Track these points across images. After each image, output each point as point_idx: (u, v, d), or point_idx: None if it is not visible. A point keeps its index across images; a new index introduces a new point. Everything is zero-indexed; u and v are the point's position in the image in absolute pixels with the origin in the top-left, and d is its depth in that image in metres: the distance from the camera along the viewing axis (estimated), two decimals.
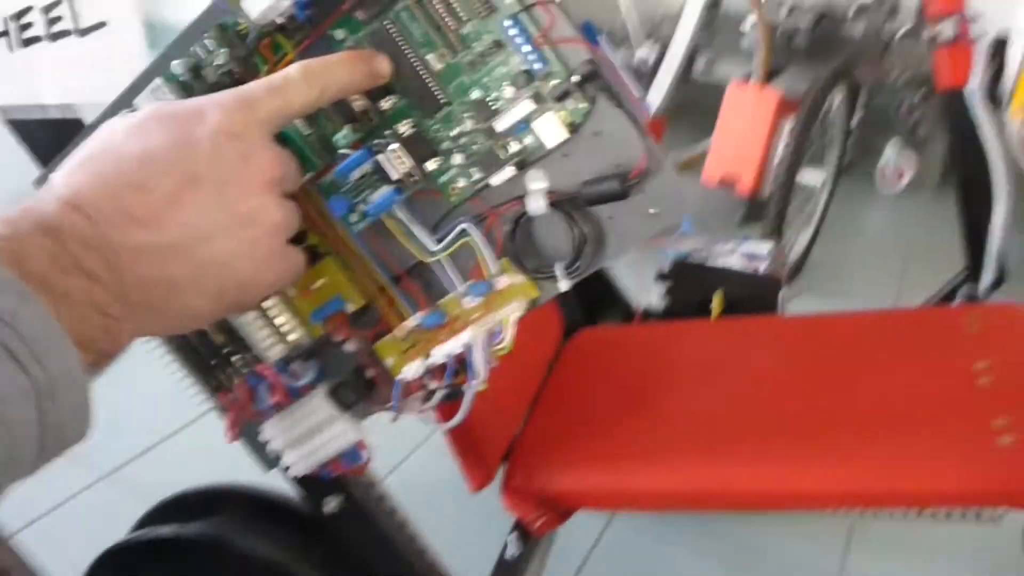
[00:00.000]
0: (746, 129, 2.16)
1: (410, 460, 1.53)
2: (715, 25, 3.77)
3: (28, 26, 0.61)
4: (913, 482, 0.80)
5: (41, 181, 0.64)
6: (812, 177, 2.35)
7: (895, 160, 3.05)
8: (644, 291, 1.28)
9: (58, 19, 0.60)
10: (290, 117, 0.46)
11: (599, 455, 0.91)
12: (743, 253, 1.22)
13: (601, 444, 0.92)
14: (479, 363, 0.56)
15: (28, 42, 0.61)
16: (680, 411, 0.97)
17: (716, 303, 1.17)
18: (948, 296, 1.30)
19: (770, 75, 3.13)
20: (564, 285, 0.54)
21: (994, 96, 1.23)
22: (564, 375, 1.08)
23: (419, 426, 0.62)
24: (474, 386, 0.56)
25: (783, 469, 0.85)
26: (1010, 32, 1.20)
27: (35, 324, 0.33)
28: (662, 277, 1.22)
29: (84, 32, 0.60)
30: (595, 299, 1.31)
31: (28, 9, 0.60)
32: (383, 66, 0.51)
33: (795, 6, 3.51)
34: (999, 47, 1.21)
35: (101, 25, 0.60)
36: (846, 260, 2.51)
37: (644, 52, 3.02)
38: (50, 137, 0.66)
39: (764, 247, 1.25)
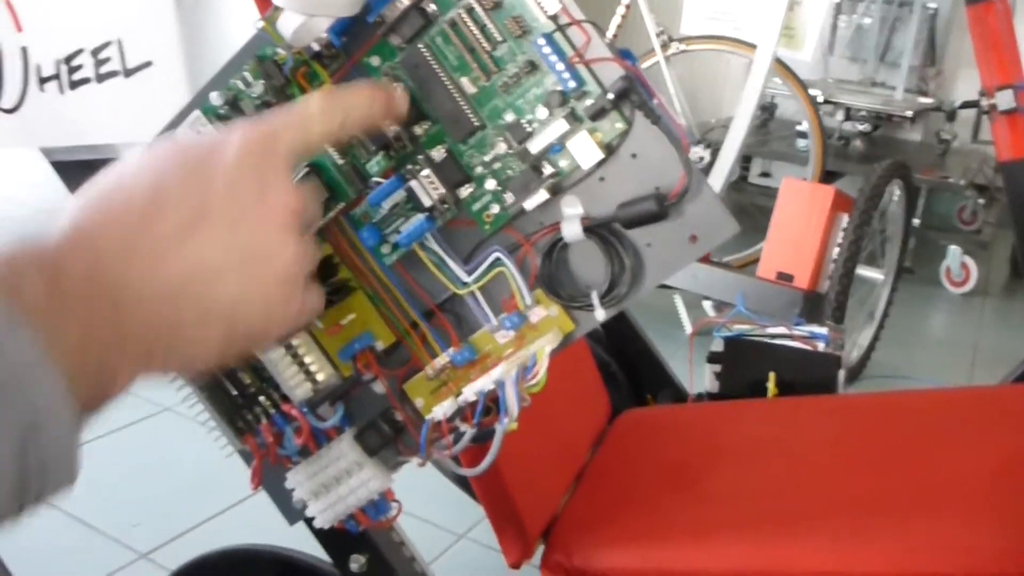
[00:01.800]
0: (802, 224, 2.13)
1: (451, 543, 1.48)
2: (769, 129, 3.82)
3: (78, 68, 0.62)
4: (978, 562, 0.73)
5: None
6: (873, 274, 2.30)
7: (958, 262, 2.98)
8: (695, 374, 1.24)
9: (107, 60, 0.62)
10: (310, 150, 0.44)
11: (644, 534, 0.85)
12: (799, 334, 1.18)
13: (647, 523, 0.87)
14: (511, 400, 0.53)
15: (76, 84, 0.63)
16: (730, 490, 0.92)
17: (772, 382, 1.12)
18: (1021, 376, 1.23)
19: (826, 179, 3.13)
20: (600, 315, 0.52)
21: None
22: (609, 454, 1.03)
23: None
24: (504, 425, 0.53)
25: (839, 550, 0.79)
26: None
27: (22, 352, 0.31)
28: (715, 357, 1.18)
29: (130, 72, 0.61)
30: (644, 380, 1.28)
31: (79, 52, 0.62)
32: (402, 100, 0.50)
33: (851, 110, 3.54)
34: None
35: (147, 65, 0.61)
36: (911, 361, 2.43)
37: (696, 155, 3.05)
38: (89, 176, 0.67)
39: (821, 328, 1.20)
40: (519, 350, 0.54)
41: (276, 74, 0.54)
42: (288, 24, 0.50)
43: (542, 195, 0.51)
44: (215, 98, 0.56)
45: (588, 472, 0.99)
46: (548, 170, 0.51)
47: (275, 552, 0.72)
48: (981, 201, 3.51)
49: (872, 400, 1.08)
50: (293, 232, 0.40)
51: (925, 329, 2.81)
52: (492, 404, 0.54)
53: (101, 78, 0.62)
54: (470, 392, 0.55)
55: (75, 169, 0.67)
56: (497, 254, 0.53)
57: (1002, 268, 3.27)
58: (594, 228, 0.51)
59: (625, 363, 1.25)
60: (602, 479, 0.97)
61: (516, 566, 0.85)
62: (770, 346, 1.15)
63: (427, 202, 0.53)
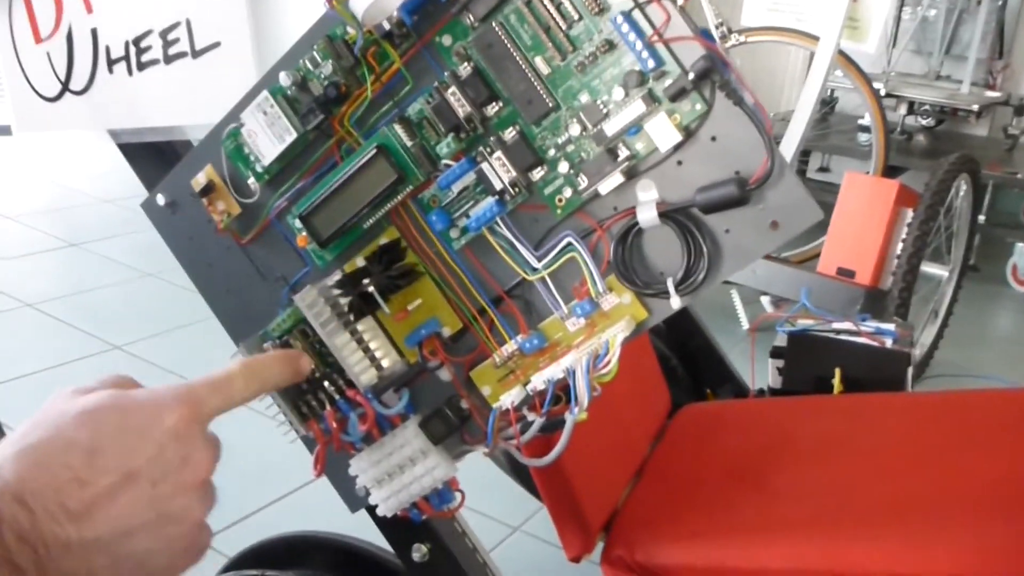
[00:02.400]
0: (865, 219, 2.08)
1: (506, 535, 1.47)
2: (829, 123, 3.74)
3: (146, 49, 0.62)
4: None
5: (148, 205, 0.64)
6: (937, 271, 2.24)
7: None
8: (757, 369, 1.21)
9: (175, 41, 0.61)
10: (226, 411, 0.47)
11: (709, 531, 0.83)
12: (866, 330, 1.14)
13: (712, 520, 0.85)
14: (582, 389, 0.51)
15: (144, 66, 0.63)
16: (798, 488, 0.89)
17: (837, 379, 1.09)
18: None
19: (888, 174, 3.05)
20: (676, 303, 0.50)
21: None
22: (670, 448, 1.01)
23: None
24: (575, 415, 0.52)
25: (912, 550, 0.77)
26: None
27: None
28: (778, 352, 1.15)
29: (198, 54, 0.61)
30: (705, 375, 1.25)
31: (148, 33, 0.62)
32: (306, 366, 0.55)
33: (915, 103, 3.45)
34: None
35: (215, 45, 0.61)
36: (975, 360, 2.36)
37: None
38: (155, 160, 0.67)
39: (888, 325, 1.17)
40: (590, 338, 0.53)
41: (346, 54, 0.54)
42: (359, 3, 0.49)
43: (617, 178, 0.50)
44: (283, 79, 0.55)
45: (649, 466, 0.97)
46: (624, 153, 0.50)
47: (336, 539, 0.72)
48: None
49: (943, 398, 1.04)
50: (202, 492, 0.44)
51: (990, 328, 2.73)
52: (561, 393, 0.53)
53: (169, 59, 0.62)
54: (539, 380, 0.53)
55: (141, 152, 0.67)
56: (569, 239, 0.52)
57: None
58: (670, 213, 0.50)
59: (685, 357, 1.22)
60: (664, 474, 0.95)
61: (576, 560, 0.83)
62: (836, 342, 1.12)
63: (498, 185, 0.52)
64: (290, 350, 0.57)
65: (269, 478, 1.59)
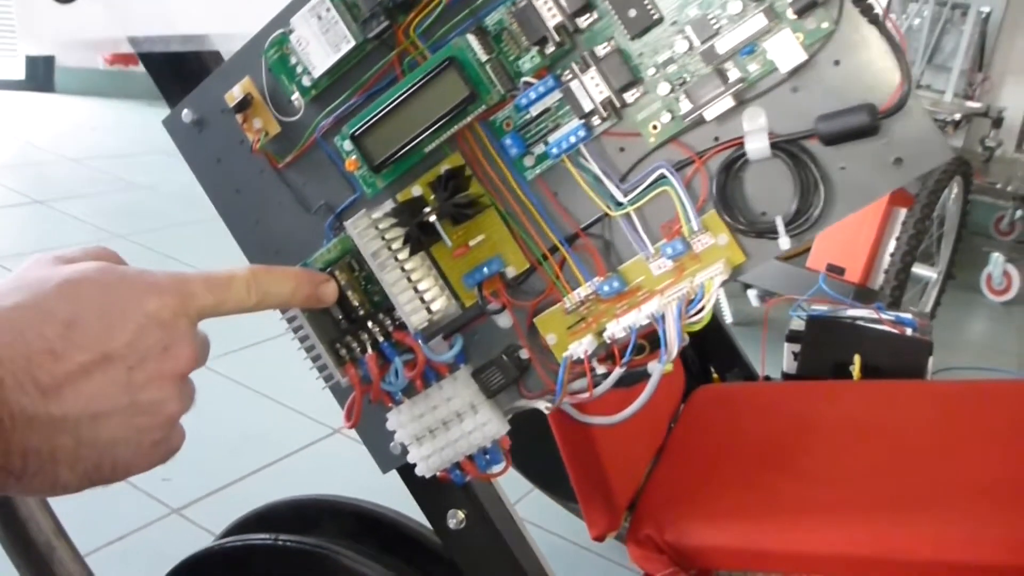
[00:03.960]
0: (857, 216, 2.06)
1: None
2: None
3: None
4: None
5: (171, 122, 0.58)
6: (926, 272, 2.23)
7: (1001, 270, 2.91)
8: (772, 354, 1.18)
9: None
10: (217, 315, 0.44)
11: (741, 511, 0.79)
12: (887, 317, 1.11)
13: (742, 500, 0.81)
14: (672, 336, 0.46)
15: None
16: (829, 471, 0.85)
17: (857, 365, 1.05)
18: None
19: None
20: (785, 243, 0.45)
21: None
22: (690, 429, 0.97)
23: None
24: (664, 364, 0.46)
25: (952, 536, 0.73)
26: None
27: None
28: (795, 336, 1.12)
29: None
30: (714, 359, 1.21)
31: None
32: (328, 293, 0.51)
33: None
34: None
35: None
36: (953, 368, 2.36)
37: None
38: (180, 72, 0.60)
39: (906, 314, 1.14)
40: (678, 282, 0.48)
41: None
42: None
43: (727, 102, 0.44)
44: None
45: (669, 446, 0.92)
46: (735, 74, 0.45)
47: (351, 503, 0.65)
48: (1020, 212, 3.43)
49: (966, 387, 1.01)
50: (180, 386, 0.42)
51: (968, 334, 2.73)
52: (643, 342, 0.48)
53: None
54: (618, 328, 0.48)
55: (165, 63, 0.60)
56: (663, 170, 0.47)
57: None
58: (783, 144, 0.45)
59: (695, 340, 1.18)
60: (686, 454, 0.91)
61: (600, 538, 0.79)
62: (857, 327, 1.09)
63: (587, 106, 0.47)
64: (315, 271, 0.52)
65: (244, 449, 1.52)
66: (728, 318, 2.29)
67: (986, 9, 3.62)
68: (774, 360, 1.22)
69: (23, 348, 0.36)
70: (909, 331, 1.10)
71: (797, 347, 1.12)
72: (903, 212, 2.02)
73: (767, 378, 1.22)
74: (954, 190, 2.22)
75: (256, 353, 1.79)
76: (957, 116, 3.33)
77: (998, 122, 3.53)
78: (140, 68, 0.62)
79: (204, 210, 0.60)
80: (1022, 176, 3.49)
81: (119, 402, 0.39)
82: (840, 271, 2.07)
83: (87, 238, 2.50)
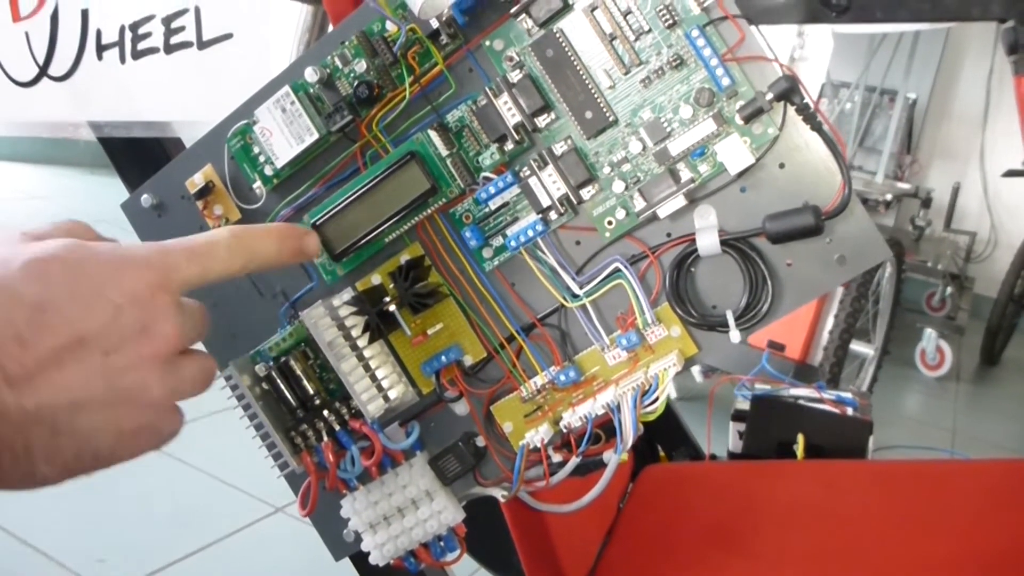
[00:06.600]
0: None
1: None
2: None
3: (145, 36, 0.57)
4: None
5: (129, 206, 0.58)
6: (864, 349, 2.29)
7: (934, 346, 3.00)
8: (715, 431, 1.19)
9: (179, 29, 0.56)
10: (203, 285, 0.41)
11: None
12: (828, 397, 1.13)
13: None
14: (628, 426, 0.47)
15: (141, 54, 0.57)
16: (781, 554, 0.86)
17: (801, 445, 1.07)
18: None
19: None
20: (736, 337, 0.47)
21: None
22: (640, 510, 0.97)
23: None
24: (620, 453, 0.47)
25: None
26: None
27: None
28: (740, 415, 1.13)
29: (205, 44, 0.56)
30: (660, 437, 1.22)
31: (149, 18, 0.56)
32: (312, 245, 0.48)
33: None
34: None
35: (226, 37, 0.55)
36: (894, 440, 2.40)
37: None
38: (140, 157, 0.61)
39: (846, 393, 1.16)
40: (632, 373, 0.49)
41: (384, 52, 0.50)
42: None
43: (679, 201, 0.46)
44: (309, 74, 0.51)
45: (619, 527, 0.93)
46: (686, 175, 0.47)
47: None
48: (950, 289, 3.56)
49: (905, 468, 1.03)
50: (163, 368, 0.39)
51: (905, 410, 2.79)
52: (599, 432, 0.49)
53: (170, 48, 0.56)
54: (574, 417, 0.49)
55: (125, 148, 0.60)
56: (617, 264, 0.48)
57: (974, 354, 3.29)
58: (733, 241, 0.47)
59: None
60: (637, 535, 0.91)
61: None
62: (800, 407, 1.11)
63: (545, 202, 0.48)
64: (296, 225, 0.48)
65: (184, 528, 1.48)
66: (672, 393, 2.31)
67: (912, 95, 3.81)
68: (719, 436, 1.23)
69: None
70: (850, 410, 1.12)
71: (742, 426, 1.14)
72: (840, 290, 2.08)
73: (713, 456, 1.23)
74: (887, 270, 2.29)
75: (193, 428, 1.75)
76: (888, 196, 3.45)
77: (927, 202, 3.67)
78: (83, 135, 0.62)
79: None
80: (951, 254, 3.62)
81: (96, 390, 0.36)
82: (780, 347, 2.11)
83: None
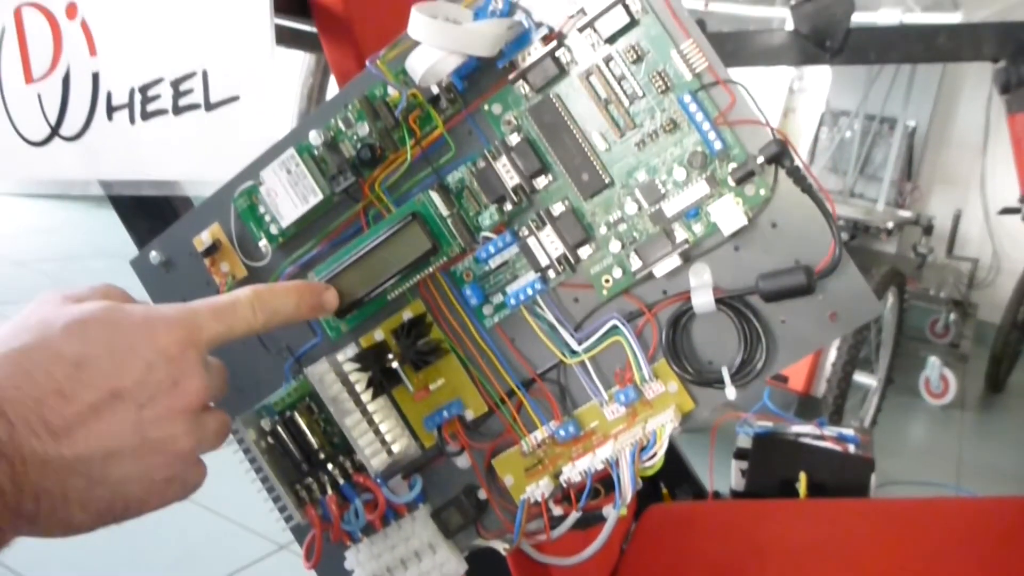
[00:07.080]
0: None
1: None
2: None
3: (154, 98, 0.58)
4: None
5: (138, 263, 0.59)
6: (867, 380, 2.29)
7: (938, 374, 2.99)
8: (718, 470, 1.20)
9: (188, 92, 0.58)
10: (228, 342, 0.44)
11: None
12: (829, 434, 1.14)
13: None
14: (626, 481, 0.48)
15: (150, 115, 0.59)
16: None
17: (803, 483, 1.08)
18: None
19: None
20: (732, 393, 0.48)
21: None
22: (643, 551, 0.98)
23: None
24: (619, 508, 0.48)
25: None
26: None
27: None
28: (742, 454, 1.14)
29: (212, 106, 0.57)
30: (664, 474, 1.22)
31: (158, 81, 0.58)
32: (331, 300, 0.50)
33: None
34: None
35: (233, 99, 0.57)
36: (900, 471, 2.40)
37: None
38: (149, 215, 0.62)
39: (848, 430, 1.17)
40: (630, 428, 0.50)
41: (386, 115, 0.51)
42: (418, 64, 0.47)
43: (674, 261, 0.48)
44: (314, 137, 0.52)
45: (623, 569, 0.93)
46: (680, 235, 0.48)
47: None
48: (953, 316, 3.56)
49: (907, 506, 1.04)
50: (192, 421, 0.41)
51: (909, 439, 2.79)
52: (598, 486, 0.50)
53: (179, 110, 0.58)
54: (574, 471, 0.50)
55: (134, 206, 0.62)
56: (615, 321, 0.49)
57: (978, 382, 3.29)
58: (727, 300, 0.48)
59: None
60: None
61: None
62: (802, 445, 1.11)
63: (544, 261, 0.49)
64: (315, 282, 0.51)
65: (190, 567, 1.48)
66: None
67: (912, 123, 3.83)
68: (721, 471, 1.24)
69: (32, 390, 0.36)
70: (852, 447, 1.13)
71: (744, 464, 1.14)
72: None
73: (716, 494, 1.23)
74: (890, 300, 2.30)
75: None
76: (890, 224, 3.47)
77: (928, 229, 3.69)
78: (93, 192, 0.64)
79: None
80: (953, 281, 3.63)
81: (130, 440, 0.39)
82: (783, 379, 2.12)
83: None
